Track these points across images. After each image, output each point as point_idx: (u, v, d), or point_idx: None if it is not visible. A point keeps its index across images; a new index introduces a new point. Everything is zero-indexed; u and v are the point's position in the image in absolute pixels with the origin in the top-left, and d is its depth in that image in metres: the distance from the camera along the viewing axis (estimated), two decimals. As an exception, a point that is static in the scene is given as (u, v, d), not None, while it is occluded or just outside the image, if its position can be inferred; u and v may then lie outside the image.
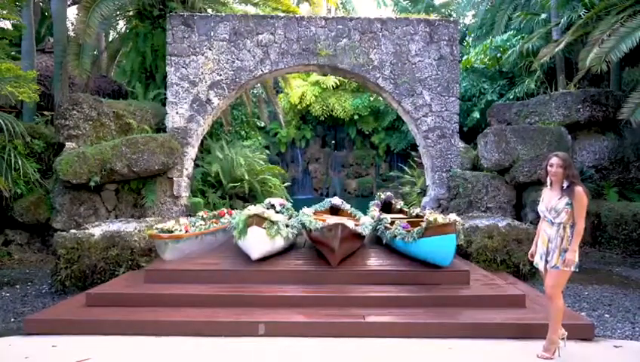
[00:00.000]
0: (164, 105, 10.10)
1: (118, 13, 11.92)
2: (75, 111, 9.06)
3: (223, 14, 9.84)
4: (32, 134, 9.02)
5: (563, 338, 4.01)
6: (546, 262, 4.00)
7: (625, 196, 9.65)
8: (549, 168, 3.99)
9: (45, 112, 10.81)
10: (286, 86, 16.57)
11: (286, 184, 12.69)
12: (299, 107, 20.20)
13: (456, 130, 9.82)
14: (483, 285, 5.34)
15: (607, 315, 5.18)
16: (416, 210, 7.74)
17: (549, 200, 4.02)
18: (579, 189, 3.84)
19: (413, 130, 10.24)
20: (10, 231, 8.71)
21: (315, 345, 4.24)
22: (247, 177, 10.81)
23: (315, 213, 7.50)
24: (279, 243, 6.00)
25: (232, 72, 9.67)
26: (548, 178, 4.02)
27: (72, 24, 16.15)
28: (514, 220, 7.22)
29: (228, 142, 11.98)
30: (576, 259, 3.90)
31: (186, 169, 9.63)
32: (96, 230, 6.61)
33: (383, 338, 4.33)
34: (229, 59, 9.66)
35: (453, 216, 5.50)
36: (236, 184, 10.72)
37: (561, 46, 10.28)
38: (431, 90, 9.75)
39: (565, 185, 3.91)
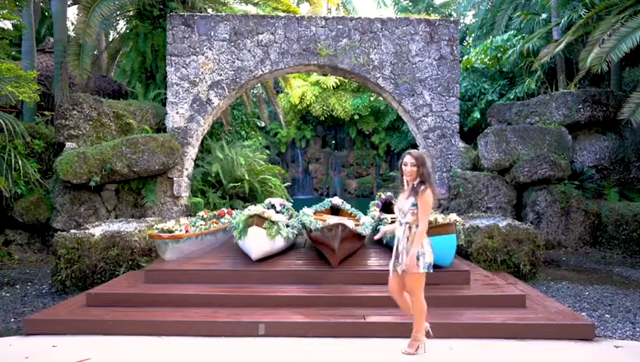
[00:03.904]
0: (164, 105, 10.10)
1: (118, 13, 11.92)
2: (75, 111, 9.06)
3: (223, 14, 9.83)
4: (32, 134, 9.03)
5: (428, 331, 4.05)
6: (396, 263, 3.92)
7: (625, 196, 9.66)
8: (403, 168, 3.88)
9: (45, 112, 10.82)
10: (286, 86, 16.58)
11: (286, 184, 12.69)
12: (299, 107, 20.22)
13: (457, 130, 9.81)
14: (483, 285, 5.34)
15: (607, 315, 5.18)
16: (417, 210, 7.73)
17: (401, 200, 3.93)
18: (424, 189, 3.73)
19: (414, 130, 10.24)
20: (10, 231, 8.71)
21: (315, 345, 4.24)
22: (247, 177, 10.81)
23: (316, 213, 7.51)
24: (279, 243, 6.00)
25: (232, 72, 9.67)
26: (404, 178, 3.91)
27: (72, 24, 16.18)
28: (514, 220, 7.22)
29: (228, 142, 11.98)
30: (428, 260, 3.79)
31: (186, 169, 9.63)
32: (97, 230, 6.62)
33: (383, 338, 4.33)
34: (229, 59, 9.66)
35: (453, 216, 5.50)
36: (236, 184, 10.72)
37: (562, 46, 10.28)
38: (431, 90, 9.74)
39: (415, 183, 3.82)
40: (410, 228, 3.84)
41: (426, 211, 3.75)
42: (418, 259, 3.77)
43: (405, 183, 3.93)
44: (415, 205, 3.78)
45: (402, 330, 4.43)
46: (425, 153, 3.94)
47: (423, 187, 3.75)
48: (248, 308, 4.85)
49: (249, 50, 9.68)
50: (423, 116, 9.79)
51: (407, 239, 3.84)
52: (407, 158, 3.86)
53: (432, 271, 3.87)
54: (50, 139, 9.35)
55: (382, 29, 9.74)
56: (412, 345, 4.00)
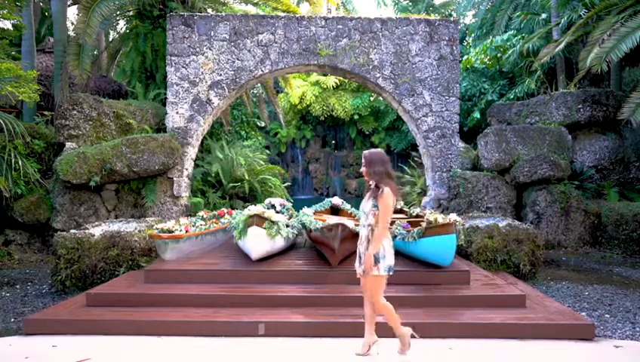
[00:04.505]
0: (164, 105, 10.10)
1: (118, 13, 11.92)
2: (75, 111, 9.06)
3: (223, 14, 9.83)
4: (32, 134, 9.03)
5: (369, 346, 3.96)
6: (361, 264, 3.89)
7: (625, 196, 9.66)
8: (362, 168, 3.89)
9: (45, 112, 10.82)
10: (286, 86, 16.58)
11: (286, 184, 12.69)
12: (299, 107, 20.21)
13: (457, 130, 9.82)
14: (483, 285, 5.34)
15: (607, 315, 5.18)
16: (417, 210, 7.75)
17: (364, 201, 3.91)
18: (384, 190, 3.68)
19: (414, 130, 10.24)
20: (10, 231, 8.71)
21: (315, 345, 4.24)
22: (247, 177, 10.81)
23: (315, 213, 7.51)
24: (279, 243, 6.00)
25: (232, 72, 9.67)
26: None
27: (72, 24, 16.18)
28: (514, 220, 7.22)
29: (228, 142, 11.98)
30: (389, 263, 3.74)
31: (186, 169, 9.63)
32: (97, 230, 6.61)
33: (383, 338, 4.32)
34: (229, 59, 9.66)
35: (453, 216, 5.50)
36: (236, 184, 10.72)
37: (562, 46, 10.28)
38: (431, 90, 9.74)
39: (372, 184, 3.80)
40: (372, 230, 3.79)
41: (386, 212, 3.69)
42: (378, 261, 3.73)
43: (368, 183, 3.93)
44: (376, 206, 3.75)
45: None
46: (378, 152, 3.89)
47: (381, 188, 3.71)
48: (248, 308, 4.85)
49: (249, 50, 9.68)
50: (423, 116, 9.79)
51: (369, 241, 3.81)
52: (363, 159, 3.88)
53: (392, 273, 3.82)
54: (50, 139, 9.35)
55: (382, 29, 9.74)
56: (404, 342, 3.97)
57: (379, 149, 3.99)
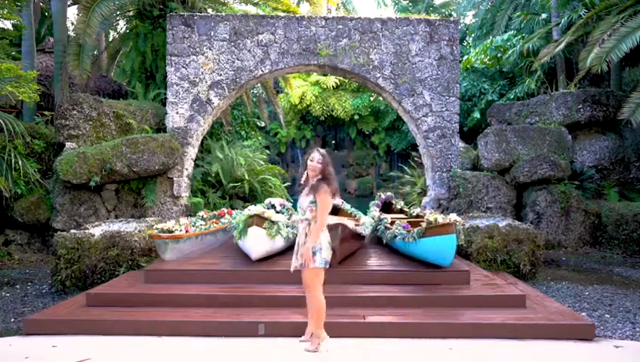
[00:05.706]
0: (164, 105, 10.10)
1: (118, 13, 11.91)
2: (75, 111, 9.06)
3: (223, 14, 9.83)
4: (32, 134, 9.03)
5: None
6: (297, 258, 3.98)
7: (625, 196, 9.66)
8: (309, 162, 3.96)
9: (45, 112, 10.81)
10: (286, 86, 16.57)
11: (286, 184, 12.69)
12: (299, 107, 20.20)
13: (457, 130, 9.81)
14: (483, 285, 5.34)
15: (607, 315, 5.17)
16: (417, 210, 7.75)
17: (302, 197, 4.01)
18: (322, 187, 3.78)
19: (414, 130, 10.24)
20: (10, 231, 8.71)
21: (315, 345, 4.23)
22: (247, 177, 10.81)
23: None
24: (279, 243, 6.00)
25: (232, 72, 9.67)
26: (305, 172, 3.98)
27: (72, 24, 16.17)
28: (514, 220, 7.22)
29: (228, 142, 11.98)
30: (325, 256, 3.82)
31: (186, 169, 9.62)
32: (97, 230, 6.61)
33: (383, 338, 4.33)
34: (229, 59, 9.66)
35: (453, 216, 5.49)
36: (236, 184, 10.72)
37: (562, 46, 10.28)
38: (431, 90, 9.74)
39: (314, 181, 3.88)
40: (309, 225, 3.89)
41: (324, 208, 3.80)
42: (315, 254, 3.82)
43: (304, 178, 4.00)
44: (313, 202, 3.84)
45: (402, 330, 4.43)
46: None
47: (321, 185, 3.80)
48: (248, 308, 4.85)
49: (249, 50, 9.68)
50: (423, 116, 9.79)
51: (307, 235, 3.89)
52: (315, 155, 3.97)
53: (328, 266, 3.90)
54: (50, 139, 9.35)
55: (382, 29, 9.74)
56: (312, 342, 4.04)
57: (322, 150, 4.05)
